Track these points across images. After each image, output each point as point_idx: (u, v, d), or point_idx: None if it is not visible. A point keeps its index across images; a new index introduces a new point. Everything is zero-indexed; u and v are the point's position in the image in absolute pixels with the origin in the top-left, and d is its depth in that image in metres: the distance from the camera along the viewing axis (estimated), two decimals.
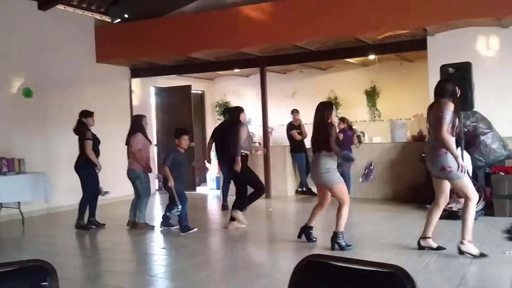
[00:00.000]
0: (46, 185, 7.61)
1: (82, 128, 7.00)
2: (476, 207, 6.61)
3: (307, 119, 10.82)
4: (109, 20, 9.90)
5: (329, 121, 5.42)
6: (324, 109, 5.52)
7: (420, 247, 5.03)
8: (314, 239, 5.67)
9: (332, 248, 5.25)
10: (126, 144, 7.01)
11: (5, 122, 7.98)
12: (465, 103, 6.97)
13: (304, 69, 11.92)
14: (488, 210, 6.72)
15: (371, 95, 11.45)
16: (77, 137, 7.03)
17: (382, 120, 11.20)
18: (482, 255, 4.62)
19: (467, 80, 6.98)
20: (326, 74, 12.03)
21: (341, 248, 5.26)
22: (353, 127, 9.71)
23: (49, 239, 6.83)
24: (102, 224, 7.16)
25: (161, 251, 5.95)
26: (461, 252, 4.68)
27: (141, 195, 6.93)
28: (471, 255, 4.62)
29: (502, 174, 6.77)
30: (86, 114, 7.11)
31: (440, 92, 4.86)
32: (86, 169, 6.97)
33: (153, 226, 6.98)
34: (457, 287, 3.93)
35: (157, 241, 6.51)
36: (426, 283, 4.19)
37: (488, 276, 4.25)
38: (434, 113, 4.79)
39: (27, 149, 8.14)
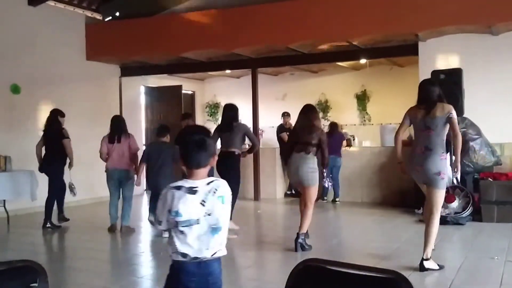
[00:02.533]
0: (33, 183, 7.49)
1: (60, 127, 7.00)
2: (464, 212, 6.71)
3: None
4: (100, 18, 9.81)
5: (319, 126, 5.58)
6: (312, 112, 5.65)
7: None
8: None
9: (296, 250, 5.26)
10: (113, 142, 6.72)
11: None
12: (455, 109, 7.04)
13: (295, 72, 11.92)
14: (476, 215, 6.75)
15: (362, 99, 11.48)
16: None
17: (372, 124, 11.23)
18: (441, 267, 4.50)
19: (458, 86, 7.05)
20: (317, 77, 12.04)
21: (304, 249, 5.30)
22: (343, 131, 9.75)
23: (34, 238, 6.72)
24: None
25: (149, 252, 5.88)
26: (424, 269, 4.44)
27: (130, 197, 6.81)
28: (433, 270, 4.46)
29: (491, 180, 6.82)
30: (62, 114, 7.14)
31: (439, 94, 4.68)
32: (62, 167, 7.08)
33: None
34: None
35: (144, 242, 6.45)
36: None
37: (476, 282, 4.26)
38: (437, 114, 4.53)
39: (14, 146, 8.00)
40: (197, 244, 2.17)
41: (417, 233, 6.17)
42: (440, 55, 7.92)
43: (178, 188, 2.20)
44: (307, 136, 5.45)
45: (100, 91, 9.96)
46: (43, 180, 7.85)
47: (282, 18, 8.20)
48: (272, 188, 9.65)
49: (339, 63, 10.56)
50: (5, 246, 6.38)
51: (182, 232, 2.18)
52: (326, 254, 5.38)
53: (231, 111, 6.50)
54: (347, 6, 7.90)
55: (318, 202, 9.15)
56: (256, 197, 9.40)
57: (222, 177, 6.27)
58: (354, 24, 7.84)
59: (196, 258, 2.17)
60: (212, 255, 2.18)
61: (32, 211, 8.12)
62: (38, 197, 7.72)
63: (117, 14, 9.74)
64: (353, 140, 9.54)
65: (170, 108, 10.97)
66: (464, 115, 7.32)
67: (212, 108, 12.92)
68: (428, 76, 7.43)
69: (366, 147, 9.49)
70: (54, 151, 6.98)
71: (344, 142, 9.04)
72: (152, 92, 11.32)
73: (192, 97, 12.95)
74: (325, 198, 9.08)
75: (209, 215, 2.16)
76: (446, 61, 7.79)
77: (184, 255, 2.18)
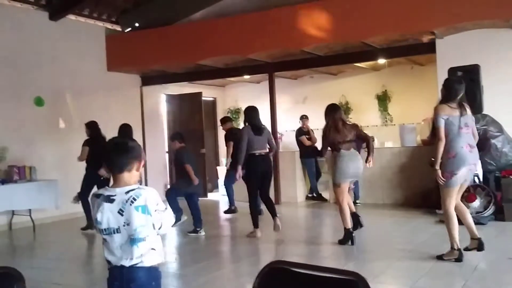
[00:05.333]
0: (57, 192, 7.72)
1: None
2: (486, 212, 6.54)
3: (318, 124, 10.78)
4: (120, 29, 10.02)
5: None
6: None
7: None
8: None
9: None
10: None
11: (16, 130, 8.11)
12: (473, 106, 6.87)
13: (314, 75, 11.88)
14: (498, 215, 6.57)
15: (383, 99, 11.35)
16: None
17: (394, 124, 11.08)
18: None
19: (476, 82, 6.91)
20: (336, 79, 11.97)
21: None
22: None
23: (59, 245, 6.92)
24: None
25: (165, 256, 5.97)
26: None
27: None
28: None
29: None
30: None
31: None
32: None
33: None
34: None
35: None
36: None
37: (490, 283, 4.16)
38: (469, 112, 4.85)
39: (39, 157, 8.27)
40: (119, 252, 2.18)
41: (435, 234, 6.07)
42: (458, 52, 7.74)
43: (98, 196, 2.21)
44: (351, 134, 5.81)
45: (122, 101, 10.16)
46: (68, 190, 8.09)
47: (296, 21, 8.20)
48: (292, 192, 9.63)
49: (358, 64, 10.47)
50: (30, 253, 6.60)
51: (105, 239, 2.21)
52: (341, 256, 5.37)
53: (259, 113, 6.62)
54: (361, 6, 7.83)
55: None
56: (277, 200, 9.39)
57: (268, 179, 6.35)
58: (369, 23, 7.77)
59: (116, 266, 2.19)
60: (132, 265, 2.17)
61: (58, 219, 8.37)
62: (63, 205, 7.98)
63: (136, 24, 9.93)
64: (373, 141, 9.41)
65: (191, 115, 11.11)
66: (485, 112, 7.16)
67: (234, 113, 13.00)
68: (446, 74, 7.32)
69: (385, 148, 9.36)
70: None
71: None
72: (173, 100, 11.48)
73: (213, 103, 13.07)
74: None
75: (127, 224, 2.14)
76: (464, 58, 7.61)
77: (108, 261, 2.24)
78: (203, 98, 11.32)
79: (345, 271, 1.48)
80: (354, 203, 8.83)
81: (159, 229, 2.24)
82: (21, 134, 8.18)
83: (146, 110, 10.72)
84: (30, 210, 7.65)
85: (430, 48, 8.08)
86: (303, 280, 1.56)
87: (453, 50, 7.83)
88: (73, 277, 5.19)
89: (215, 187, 11.69)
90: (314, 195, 9.79)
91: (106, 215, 2.16)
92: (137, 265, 2.18)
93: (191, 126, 10.89)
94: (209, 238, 6.75)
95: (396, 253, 5.29)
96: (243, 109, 12.96)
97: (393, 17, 7.57)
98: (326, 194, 9.62)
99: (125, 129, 7.16)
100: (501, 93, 7.45)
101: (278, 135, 10.13)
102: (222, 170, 10.40)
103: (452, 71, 7.15)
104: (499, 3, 7.00)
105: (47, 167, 8.32)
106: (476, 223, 6.33)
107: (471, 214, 6.51)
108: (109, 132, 7.35)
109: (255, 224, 6.40)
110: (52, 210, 7.96)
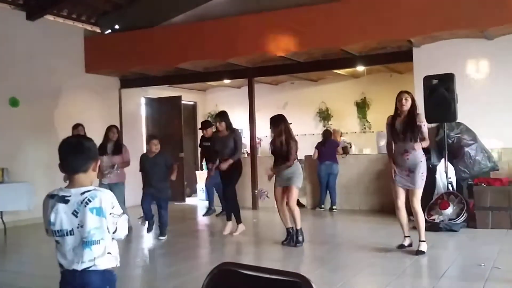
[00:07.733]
0: (29, 195, 7.59)
1: None
2: (458, 219, 6.61)
3: (298, 130, 10.83)
4: (99, 31, 9.94)
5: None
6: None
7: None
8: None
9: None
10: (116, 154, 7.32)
11: None
12: (447, 114, 7.01)
13: (295, 81, 11.94)
14: (471, 222, 6.64)
15: (362, 106, 11.46)
16: None
17: (372, 131, 11.17)
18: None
19: (450, 91, 7.01)
20: (317, 85, 12.04)
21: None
22: (342, 138, 9.73)
23: (30, 249, 6.81)
24: None
25: (135, 262, 5.90)
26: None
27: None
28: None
29: (484, 185, 6.72)
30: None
31: None
32: None
33: None
34: None
35: (131, 252, 6.47)
36: None
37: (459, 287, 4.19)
38: None
39: (13, 158, 8.13)
40: (71, 255, 2.11)
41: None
42: (434, 61, 7.85)
43: (52, 196, 2.14)
44: None
45: (100, 103, 10.06)
46: (42, 192, 7.95)
47: (274, 28, 8.25)
48: (270, 197, 9.59)
49: (338, 71, 10.54)
50: (1, 257, 6.49)
51: (57, 241, 2.15)
52: (316, 259, 5.38)
53: None
54: (339, 14, 7.91)
55: (316, 210, 9.12)
56: (254, 206, 9.40)
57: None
58: (347, 31, 7.85)
59: (68, 270, 2.13)
60: (85, 269, 2.10)
61: (31, 223, 8.21)
62: (37, 208, 7.83)
63: (116, 26, 9.87)
64: (350, 147, 9.50)
65: (171, 119, 11.05)
66: (459, 121, 7.27)
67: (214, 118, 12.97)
68: (422, 82, 7.40)
69: (362, 155, 9.44)
70: None
71: (340, 149, 9.01)
72: (152, 103, 11.41)
73: (194, 107, 13.03)
74: (323, 206, 9.03)
75: (81, 226, 2.09)
76: (440, 67, 7.72)
77: (60, 265, 2.16)
78: (183, 102, 11.29)
79: (290, 273, 1.48)
80: (331, 209, 8.93)
81: (113, 233, 2.18)
82: None
83: (124, 113, 10.63)
84: (1, 212, 7.51)
85: (407, 56, 8.18)
86: (250, 282, 1.55)
87: (429, 59, 7.94)
88: (41, 281, 5.08)
89: (193, 191, 11.64)
90: None
91: (60, 216, 2.10)
92: (90, 269, 2.11)
93: (170, 130, 10.83)
94: (184, 242, 6.71)
95: (369, 258, 5.32)
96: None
97: (371, 25, 7.65)
98: (303, 200, 9.63)
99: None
100: (475, 101, 7.57)
101: (257, 140, 10.14)
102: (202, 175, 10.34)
103: (427, 79, 7.25)
104: (474, 14, 7.12)
105: (22, 169, 8.19)
106: (448, 230, 6.46)
107: (443, 221, 6.61)
108: (86, 134, 7.27)
109: (240, 220, 7.00)
110: (25, 213, 7.82)
